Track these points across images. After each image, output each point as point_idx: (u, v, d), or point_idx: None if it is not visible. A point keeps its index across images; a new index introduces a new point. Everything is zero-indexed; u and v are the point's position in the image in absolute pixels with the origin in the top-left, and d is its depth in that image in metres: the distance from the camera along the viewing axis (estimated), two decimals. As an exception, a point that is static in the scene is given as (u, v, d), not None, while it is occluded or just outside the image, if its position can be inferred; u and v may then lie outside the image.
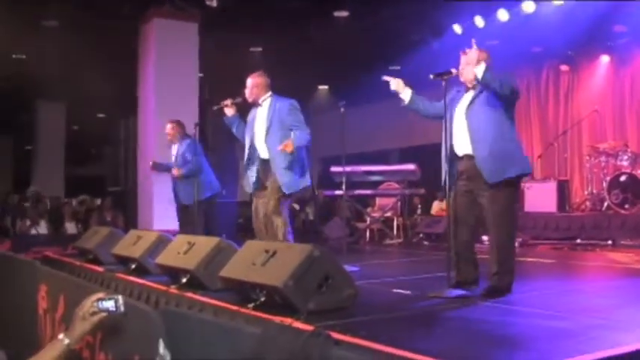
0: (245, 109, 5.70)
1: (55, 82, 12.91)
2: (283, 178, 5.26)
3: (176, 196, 7.14)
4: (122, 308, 2.48)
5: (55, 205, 12.74)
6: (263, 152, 5.43)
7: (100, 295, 2.49)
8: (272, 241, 5.26)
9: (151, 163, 7.71)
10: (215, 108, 5.90)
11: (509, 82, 4.00)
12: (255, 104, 5.53)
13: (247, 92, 5.51)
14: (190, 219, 6.84)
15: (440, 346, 2.80)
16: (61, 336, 2.44)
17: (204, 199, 6.91)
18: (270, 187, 5.36)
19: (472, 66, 4.05)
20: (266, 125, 5.37)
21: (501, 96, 4.00)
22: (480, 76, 3.98)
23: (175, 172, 7.00)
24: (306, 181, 5.45)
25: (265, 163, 5.42)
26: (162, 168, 7.51)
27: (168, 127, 7.26)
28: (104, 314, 2.46)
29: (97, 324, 2.48)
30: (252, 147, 5.48)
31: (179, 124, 7.29)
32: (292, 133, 5.29)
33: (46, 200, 12.97)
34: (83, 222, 11.56)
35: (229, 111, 5.66)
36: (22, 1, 9.04)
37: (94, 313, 2.45)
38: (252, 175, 5.48)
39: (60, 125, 16.37)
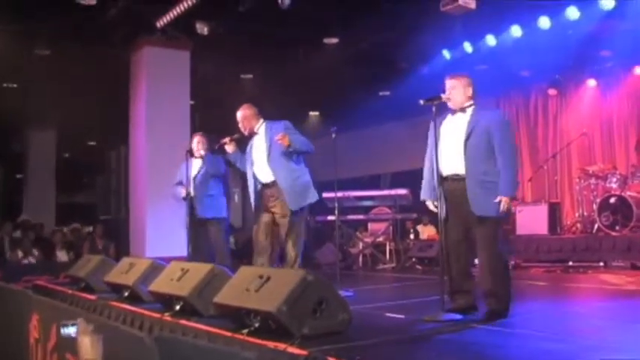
0: (245, 143, 5.84)
1: (46, 110, 12.91)
2: (289, 195, 5.38)
3: (191, 213, 6.59)
4: None
5: (39, 233, 12.62)
6: (265, 176, 5.53)
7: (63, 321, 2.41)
8: (288, 261, 5.39)
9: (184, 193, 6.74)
10: (216, 147, 6.06)
11: (515, 160, 4.16)
12: (251, 135, 5.69)
13: (240, 126, 5.69)
14: (204, 234, 6.56)
15: (435, 370, 2.80)
16: None
17: (223, 218, 6.64)
18: (278, 209, 5.47)
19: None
20: (266, 150, 5.50)
21: None
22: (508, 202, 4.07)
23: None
24: (313, 196, 5.56)
25: (267, 187, 5.54)
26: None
27: (198, 139, 6.76)
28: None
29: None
30: (253, 175, 5.60)
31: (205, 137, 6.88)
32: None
33: (39, 228, 12.89)
34: (75, 250, 11.47)
35: (229, 148, 5.81)
36: (15, 30, 9.08)
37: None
38: (255, 201, 5.58)
39: (50, 153, 16.30)
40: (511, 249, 8.53)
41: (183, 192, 6.62)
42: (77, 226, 13.97)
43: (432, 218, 3.93)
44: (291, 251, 5.41)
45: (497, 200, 4.03)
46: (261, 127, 5.64)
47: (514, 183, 4.11)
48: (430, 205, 4.40)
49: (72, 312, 3.99)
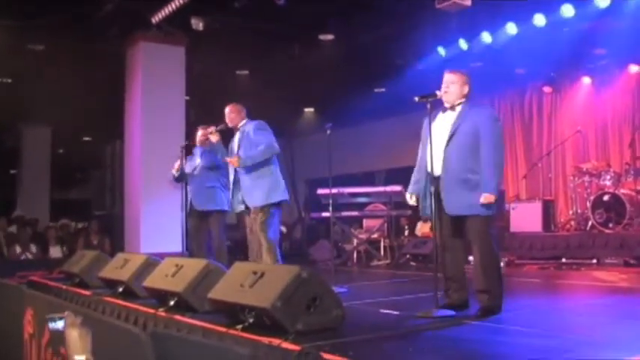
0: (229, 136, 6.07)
1: (41, 106, 12.86)
2: (251, 194, 5.60)
3: (191, 204, 6.61)
4: None
5: (35, 229, 12.59)
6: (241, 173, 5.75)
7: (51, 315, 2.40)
8: (262, 256, 5.48)
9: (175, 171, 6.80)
10: (201, 137, 6.50)
11: (499, 157, 4.09)
12: (234, 130, 5.94)
13: (226, 119, 5.98)
14: (203, 226, 6.57)
15: (428, 365, 2.82)
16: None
17: (222, 211, 6.56)
18: (250, 206, 5.67)
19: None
20: (237, 149, 5.73)
21: None
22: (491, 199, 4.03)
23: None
24: (280, 195, 5.64)
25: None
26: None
27: (202, 132, 6.73)
28: None
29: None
30: (235, 170, 5.76)
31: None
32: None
33: (34, 224, 12.87)
34: (69, 246, 11.44)
35: (213, 137, 6.22)
36: (9, 24, 9.05)
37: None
38: (238, 196, 5.76)
39: (45, 149, 16.22)
40: (501, 246, 8.56)
41: (174, 168, 6.70)
42: (66, 221, 13.96)
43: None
44: (263, 243, 5.49)
45: (482, 199, 4.02)
46: (242, 126, 5.85)
47: (498, 180, 4.07)
48: (409, 198, 4.44)
49: (66, 307, 3.99)
